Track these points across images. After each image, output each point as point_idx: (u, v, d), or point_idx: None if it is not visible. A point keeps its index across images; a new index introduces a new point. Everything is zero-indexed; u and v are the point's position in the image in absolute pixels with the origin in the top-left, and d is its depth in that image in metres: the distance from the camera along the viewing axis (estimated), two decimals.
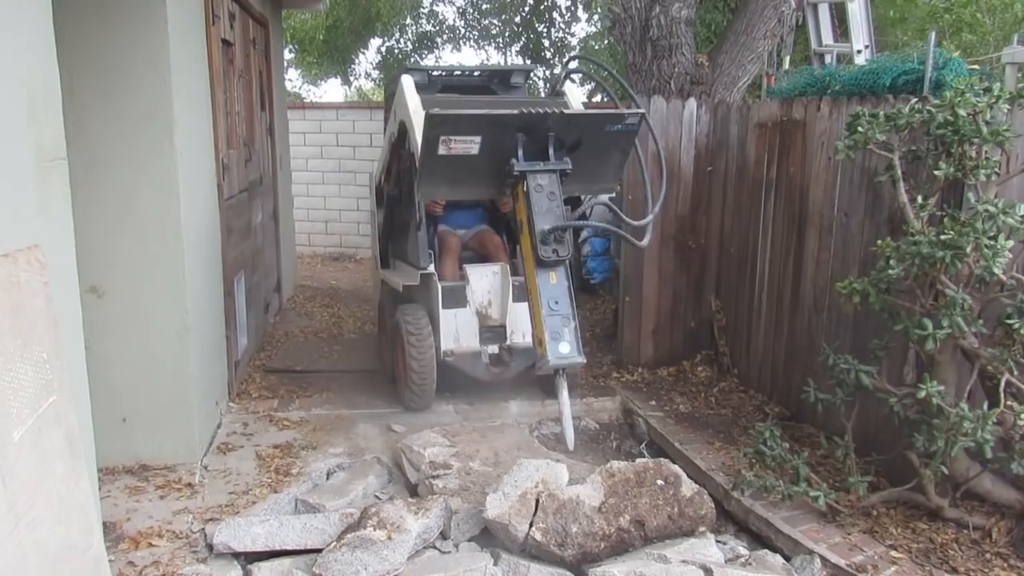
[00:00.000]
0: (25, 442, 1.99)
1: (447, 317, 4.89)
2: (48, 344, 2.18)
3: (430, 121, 3.75)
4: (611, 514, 3.26)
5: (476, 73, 5.68)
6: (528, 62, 13.82)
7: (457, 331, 4.91)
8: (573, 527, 3.19)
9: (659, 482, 3.40)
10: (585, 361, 3.78)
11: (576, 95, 5.06)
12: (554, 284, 3.78)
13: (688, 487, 3.44)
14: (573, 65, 5.15)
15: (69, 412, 2.27)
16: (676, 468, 3.52)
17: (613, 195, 5.09)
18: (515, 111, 3.81)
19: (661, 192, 4.01)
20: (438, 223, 5.48)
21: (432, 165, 3.93)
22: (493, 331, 4.99)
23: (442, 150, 3.84)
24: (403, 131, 4.87)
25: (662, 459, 3.53)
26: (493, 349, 4.97)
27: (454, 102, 4.91)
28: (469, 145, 3.85)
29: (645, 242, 3.85)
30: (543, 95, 5.23)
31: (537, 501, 3.27)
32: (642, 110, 4.01)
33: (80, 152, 3.63)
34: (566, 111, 4.00)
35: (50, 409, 2.15)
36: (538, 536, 3.17)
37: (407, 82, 4.78)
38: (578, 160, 3.96)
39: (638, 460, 3.49)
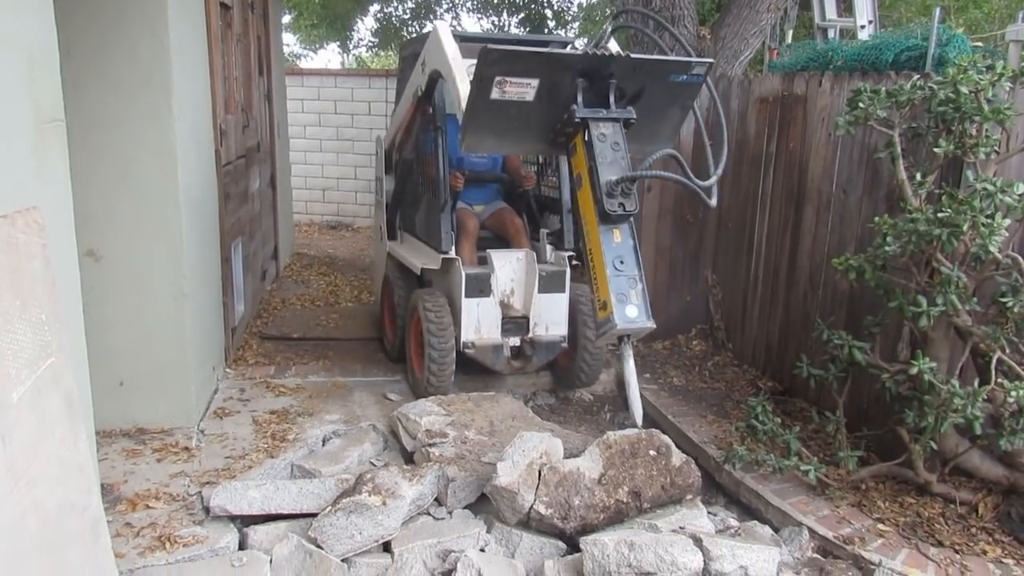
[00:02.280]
0: (24, 403, 2.01)
1: (470, 306, 4.58)
2: (47, 306, 2.19)
3: (486, 57, 3.37)
4: (611, 486, 3.29)
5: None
6: (528, 31, 13.68)
7: (479, 322, 4.62)
8: (575, 500, 3.22)
9: (651, 452, 3.44)
10: (654, 326, 3.49)
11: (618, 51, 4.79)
12: (619, 242, 3.48)
13: (677, 457, 3.48)
14: (621, 20, 4.77)
15: (67, 374, 2.28)
16: (666, 438, 3.55)
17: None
18: (579, 53, 3.52)
19: (723, 153, 3.74)
20: (456, 201, 5.04)
21: (481, 112, 3.56)
22: (515, 322, 4.70)
23: (495, 94, 3.48)
24: (432, 83, 4.57)
25: (653, 430, 3.56)
26: (515, 341, 4.70)
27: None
28: (525, 89, 3.50)
29: (714, 202, 3.62)
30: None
31: (540, 473, 3.28)
32: (711, 60, 3.76)
33: (78, 115, 3.60)
34: (632, 55, 3.69)
35: (49, 370, 2.16)
36: (542, 509, 3.18)
37: (443, 28, 4.37)
38: (637, 114, 3.67)
39: (629, 430, 3.49)
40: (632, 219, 3.54)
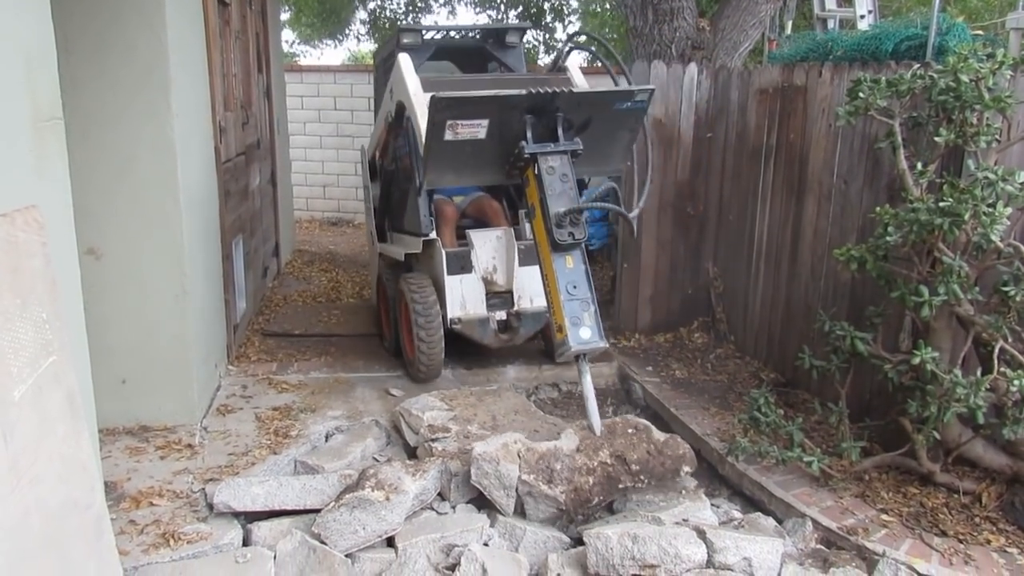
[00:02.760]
0: (25, 401, 2.01)
1: (453, 283, 4.75)
2: (47, 304, 2.19)
3: (435, 105, 3.57)
4: (589, 451, 3.42)
5: (471, 34, 5.53)
6: (566, 30, 13.65)
7: (464, 298, 4.77)
8: (556, 465, 3.33)
9: (630, 430, 3.56)
10: (607, 346, 3.69)
11: (577, 70, 4.88)
12: (571, 268, 3.66)
13: (659, 434, 3.58)
14: (578, 40, 5.03)
15: (69, 372, 2.28)
16: (644, 421, 3.67)
17: (620, 175, 4.99)
18: (523, 91, 3.65)
19: (646, 185, 3.93)
20: (433, 192, 5.28)
21: (438, 152, 3.76)
22: (500, 297, 4.87)
23: (448, 135, 3.69)
24: (401, 110, 4.76)
25: (628, 416, 3.73)
26: (501, 315, 4.86)
27: (454, 82, 4.77)
28: (476, 129, 3.70)
29: (635, 232, 3.85)
30: (543, 67, 5.06)
31: (518, 454, 3.39)
32: (652, 87, 3.91)
33: (77, 113, 3.60)
34: (575, 90, 3.88)
35: (50, 369, 2.16)
36: (526, 477, 3.28)
37: (404, 61, 4.63)
38: (586, 141, 3.84)
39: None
40: (583, 245, 3.73)
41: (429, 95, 4.04)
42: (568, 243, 3.64)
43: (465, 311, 4.77)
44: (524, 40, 5.48)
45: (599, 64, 5.06)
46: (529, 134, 3.75)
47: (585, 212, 3.67)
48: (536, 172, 3.73)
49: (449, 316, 4.73)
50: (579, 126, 3.87)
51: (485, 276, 4.84)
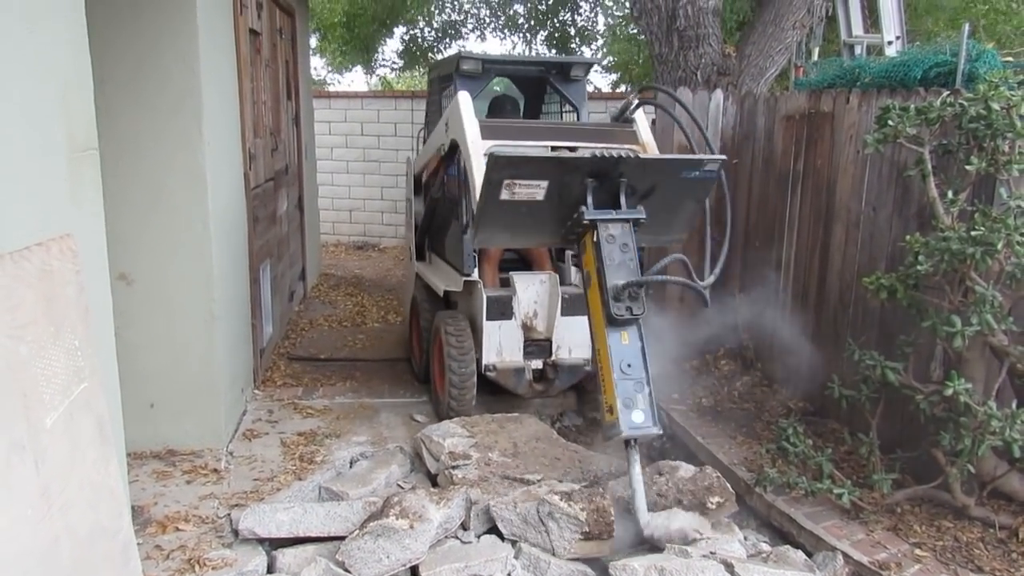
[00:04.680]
0: (57, 428, 2.03)
1: (491, 329, 4.62)
2: (80, 331, 2.22)
3: (493, 164, 3.39)
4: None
5: (533, 65, 5.39)
6: (554, 51, 13.73)
7: (500, 344, 4.64)
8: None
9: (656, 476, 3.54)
10: (661, 432, 3.43)
11: (645, 125, 4.64)
12: (626, 344, 3.43)
13: (686, 471, 3.64)
14: (648, 96, 4.85)
15: (100, 398, 2.31)
16: (673, 463, 3.74)
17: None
18: (587, 155, 3.48)
19: (723, 253, 3.73)
20: None
21: (492, 211, 3.57)
22: (538, 345, 4.71)
23: (504, 195, 3.49)
24: (454, 147, 4.63)
25: (660, 462, 3.79)
26: (537, 364, 4.72)
27: (511, 129, 4.58)
28: (534, 190, 3.50)
29: (707, 303, 3.58)
30: (609, 117, 4.88)
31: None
32: (723, 156, 3.68)
33: (110, 141, 3.66)
34: (642, 156, 3.69)
35: (82, 395, 2.19)
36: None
37: (464, 101, 4.44)
38: (649, 208, 3.64)
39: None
40: (640, 321, 3.49)
41: (487, 147, 3.95)
42: (625, 318, 3.42)
43: (501, 358, 4.65)
44: (587, 75, 5.35)
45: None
46: (590, 199, 3.52)
47: (645, 286, 3.46)
48: (595, 240, 3.51)
49: (484, 362, 4.62)
50: (643, 192, 3.65)
51: (525, 322, 4.69)
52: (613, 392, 3.34)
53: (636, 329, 3.47)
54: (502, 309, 4.62)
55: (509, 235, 3.90)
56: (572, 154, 3.60)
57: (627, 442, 3.36)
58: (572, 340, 4.67)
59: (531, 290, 4.70)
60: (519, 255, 5.16)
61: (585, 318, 4.19)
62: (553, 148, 4.28)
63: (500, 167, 3.40)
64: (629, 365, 3.38)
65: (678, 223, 3.93)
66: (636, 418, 3.30)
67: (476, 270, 4.70)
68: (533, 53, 14.03)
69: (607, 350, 3.41)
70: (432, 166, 5.36)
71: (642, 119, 4.60)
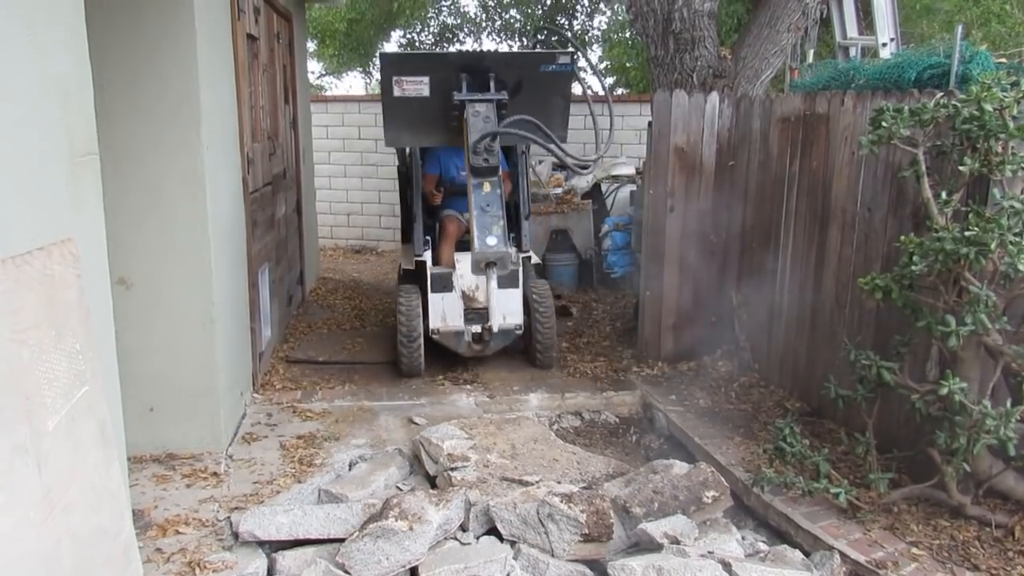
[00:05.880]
0: (59, 431, 2.05)
1: (435, 300, 5.40)
2: (81, 335, 2.23)
3: (383, 60, 4.40)
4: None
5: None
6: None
7: (444, 312, 5.40)
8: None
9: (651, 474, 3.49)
10: (510, 252, 4.25)
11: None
12: (487, 192, 4.29)
13: (680, 468, 3.74)
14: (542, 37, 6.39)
15: (101, 402, 2.32)
16: (667, 461, 3.84)
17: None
18: (455, 52, 4.45)
19: (608, 139, 4.41)
20: (443, 209, 5.95)
21: (391, 109, 4.48)
22: (477, 312, 5.43)
23: (396, 91, 4.42)
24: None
25: (654, 462, 3.83)
26: (475, 329, 5.41)
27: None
28: (420, 86, 4.43)
29: (587, 175, 4.50)
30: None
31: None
32: (574, 52, 4.64)
33: (109, 146, 3.67)
34: (500, 52, 4.61)
35: (83, 399, 2.20)
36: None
37: (383, 59, 5.05)
38: (524, 106, 4.40)
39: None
40: (498, 174, 4.37)
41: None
42: (483, 167, 4.25)
43: (444, 324, 5.40)
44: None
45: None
46: (464, 86, 4.40)
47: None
48: (465, 116, 4.35)
49: (431, 327, 5.37)
50: (512, 87, 4.50)
51: (467, 293, 5.47)
52: (474, 226, 4.21)
53: (496, 180, 4.34)
54: (444, 283, 5.44)
55: (410, 134, 4.92)
56: (444, 51, 4.60)
57: (486, 266, 4.17)
58: (507, 308, 5.37)
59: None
60: None
61: (516, 291, 5.39)
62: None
63: (387, 64, 4.44)
64: (488, 205, 4.26)
65: (554, 120, 4.72)
66: (490, 241, 4.17)
67: (428, 250, 5.58)
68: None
69: (471, 197, 4.29)
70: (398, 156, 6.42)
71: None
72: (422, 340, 5.32)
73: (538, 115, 4.37)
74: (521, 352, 5.85)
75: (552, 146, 4.23)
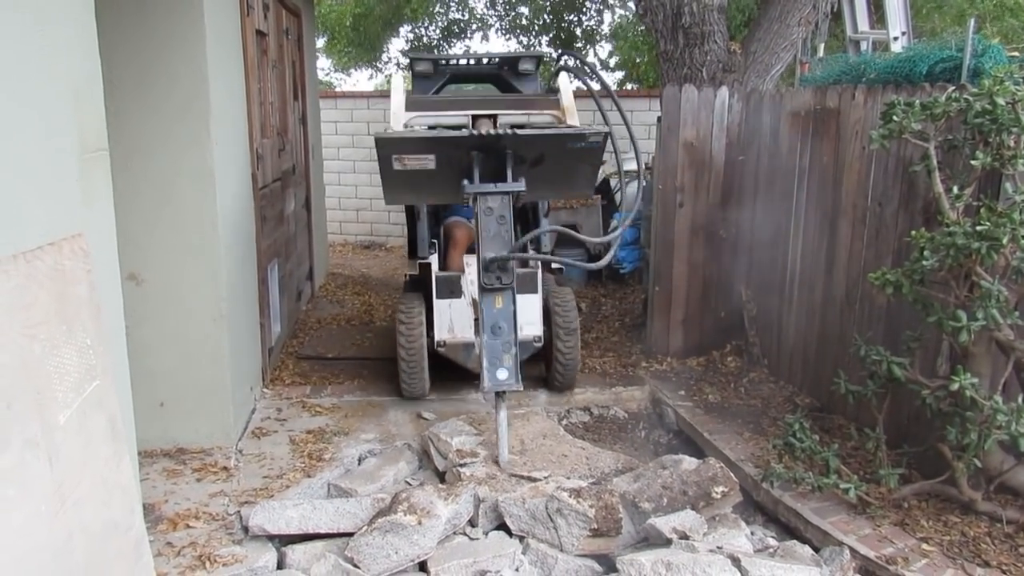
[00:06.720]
0: (71, 425, 2.06)
1: (442, 307, 4.84)
2: (92, 330, 2.25)
3: (378, 143, 3.80)
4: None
5: (485, 61, 5.50)
6: (558, 50, 13.72)
7: (451, 321, 4.85)
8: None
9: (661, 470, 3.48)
10: (521, 388, 3.86)
11: (568, 89, 4.73)
12: (498, 308, 3.79)
13: (689, 464, 3.70)
14: (566, 62, 5.22)
15: (112, 396, 2.34)
16: (676, 457, 3.80)
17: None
18: (466, 133, 3.77)
19: (624, 226, 4.01)
20: (447, 214, 5.53)
21: (390, 178, 4.00)
22: None
23: (397, 167, 3.87)
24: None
25: (664, 457, 3.78)
26: None
27: (436, 103, 4.81)
28: (425, 162, 3.86)
29: (601, 264, 3.83)
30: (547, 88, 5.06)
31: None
32: (606, 129, 3.90)
33: (120, 143, 3.70)
34: (520, 132, 3.89)
35: (94, 393, 2.21)
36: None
37: (395, 81, 4.77)
38: (546, 171, 3.96)
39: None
40: (514, 286, 3.85)
41: (408, 118, 4.32)
42: (494, 287, 3.78)
43: (452, 335, 4.84)
44: (539, 68, 5.44)
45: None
46: (476, 172, 3.82)
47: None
48: (476, 211, 3.83)
49: (436, 338, 4.81)
50: (532, 161, 3.92)
51: (476, 300, 4.81)
52: (482, 351, 3.79)
53: (509, 294, 3.82)
54: (451, 288, 4.84)
55: (413, 194, 4.43)
56: (451, 133, 3.88)
57: (496, 394, 3.78)
58: (522, 317, 4.68)
59: None
60: None
61: (534, 296, 4.73)
62: (475, 117, 4.49)
63: (383, 146, 3.81)
64: (499, 327, 3.77)
65: (578, 182, 4.27)
66: (500, 375, 3.75)
67: (434, 254, 5.02)
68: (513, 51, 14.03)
69: (481, 312, 3.82)
70: None
71: (565, 85, 4.72)
72: (426, 355, 4.83)
73: (566, 178, 4.05)
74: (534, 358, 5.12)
75: (573, 263, 4.08)
